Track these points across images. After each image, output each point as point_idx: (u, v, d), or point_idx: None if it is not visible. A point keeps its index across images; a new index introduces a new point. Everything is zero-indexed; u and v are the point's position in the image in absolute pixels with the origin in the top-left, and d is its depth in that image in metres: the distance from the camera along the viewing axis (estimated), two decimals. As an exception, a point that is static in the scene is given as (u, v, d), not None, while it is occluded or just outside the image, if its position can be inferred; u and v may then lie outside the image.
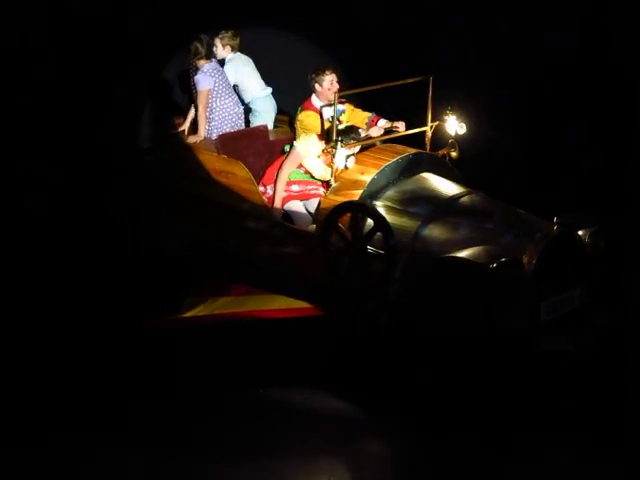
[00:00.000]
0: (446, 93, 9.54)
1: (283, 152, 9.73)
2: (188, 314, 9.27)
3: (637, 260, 9.61)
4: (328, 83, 9.67)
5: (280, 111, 10.64)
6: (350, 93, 9.58)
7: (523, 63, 10.77)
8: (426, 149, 9.75)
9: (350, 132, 9.37)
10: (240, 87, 10.43)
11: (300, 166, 9.48)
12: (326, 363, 8.80)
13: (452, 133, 9.71)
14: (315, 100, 9.72)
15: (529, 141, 10.82)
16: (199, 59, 10.02)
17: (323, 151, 9.27)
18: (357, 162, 9.31)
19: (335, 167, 9.19)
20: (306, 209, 9.49)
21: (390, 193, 9.21)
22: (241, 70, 10.41)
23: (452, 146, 9.75)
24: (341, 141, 9.14)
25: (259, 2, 11.02)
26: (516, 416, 8.12)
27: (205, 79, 10.02)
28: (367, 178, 9.20)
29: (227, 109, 10.10)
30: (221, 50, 10.35)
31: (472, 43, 10.89)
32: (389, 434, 8.15)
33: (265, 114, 10.46)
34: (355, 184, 9.21)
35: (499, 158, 10.69)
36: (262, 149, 10.14)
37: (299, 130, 9.70)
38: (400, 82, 9.53)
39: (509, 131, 10.78)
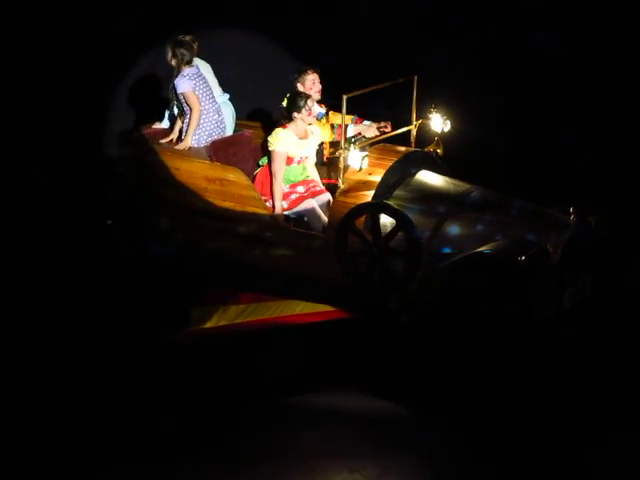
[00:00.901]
0: (436, 94, 9.68)
1: (259, 165, 9.73)
2: (209, 324, 9.03)
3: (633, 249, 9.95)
4: (310, 82, 9.73)
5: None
6: (359, 94, 9.48)
7: (513, 65, 10.96)
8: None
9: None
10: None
11: (290, 162, 9.43)
12: (353, 364, 8.73)
13: (438, 130, 9.83)
14: None
15: (520, 143, 10.97)
16: (186, 64, 9.81)
17: (335, 152, 9.24)
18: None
19: (342, 168, 9.18)
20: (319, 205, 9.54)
21: (400, 192, 9.22)
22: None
23: (437, 144, 9.88)
24: (354, 142, 9.14)
25: (216, 4, 10.92)
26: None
27: (184, 82, 9.77)
28: (376, 178, 9.20)
29: (208, 116, 9.91)
30: (170, 57, 9.99)
31: (463, 45, 11.03)
32: (415, 435, 8.15)
33: (224, 121, 10.28)
34: (365, 185, 9.18)
35: (489, 159, 10.82)
36: (248, 155, 10.10)
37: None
38: (387, 84, 9.56)
39: (499, 133, 10.93)
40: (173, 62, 9.84)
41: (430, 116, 9.81)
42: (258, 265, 9.41)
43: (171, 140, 9.93)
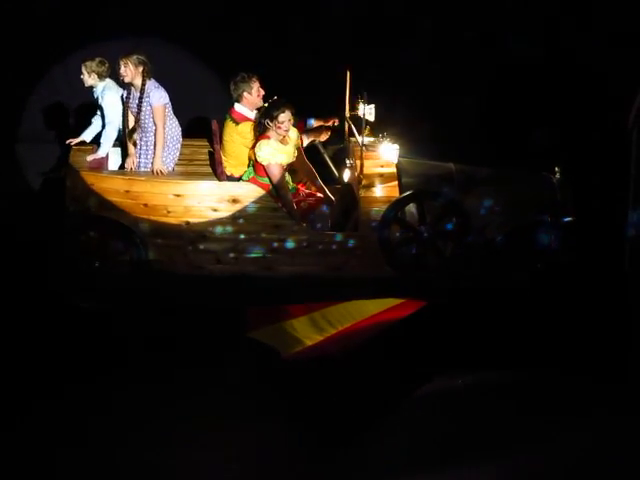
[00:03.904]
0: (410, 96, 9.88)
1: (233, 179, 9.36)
2: (309, 342, 8.47)
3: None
4: (256, 90, 9.52)
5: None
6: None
7: (486, 66, 11.11)
8: (347, 139, 9.93)
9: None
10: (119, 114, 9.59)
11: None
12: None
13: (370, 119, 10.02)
14: (242, 109, 9.41)
15: (494, 145, 11.15)
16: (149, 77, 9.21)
17: (366, 149, 9.19)
18: (358, 158, 9.35)
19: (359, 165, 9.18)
20: None
21: (408, 180, 9.42)
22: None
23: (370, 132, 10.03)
24: (384, 137, 9.23)
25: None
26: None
27: (160, 94, 9.21)
28: (392, 169, 9.31)
29: (176, 132, 9.37)
30: (87, 77, 9.49)
31: (435, 47, 11.08)
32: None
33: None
34: (384, 178, 9.27)
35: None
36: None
37: (242, 141, 9.37)
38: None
39: (472, 134, 11.13)
40: (137, 76, 9.19)
41: (357, 106, 9.97)
42: (297, 275, 9.10)
43: (129, 168, 9.27)
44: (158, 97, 9.18)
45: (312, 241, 9.09)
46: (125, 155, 9.55)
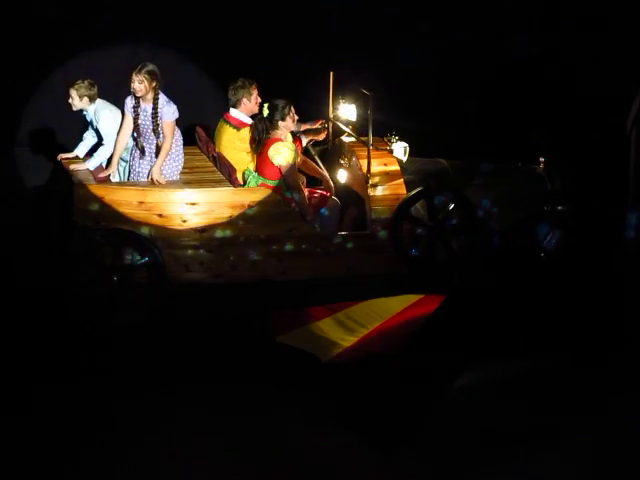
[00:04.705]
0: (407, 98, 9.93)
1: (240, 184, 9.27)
2: (346, 344, 8.51)
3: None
4: (255, 97, 9.51)
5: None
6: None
7: (485, 68, 11.19)
8: (334, 140, 10.00)
9: None
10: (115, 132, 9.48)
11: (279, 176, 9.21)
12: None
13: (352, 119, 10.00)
14: (240, 114, 9.42)
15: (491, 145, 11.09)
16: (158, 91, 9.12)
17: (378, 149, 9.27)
18: (361, 157, 9.42)
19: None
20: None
21: (408, 177, 9.55)
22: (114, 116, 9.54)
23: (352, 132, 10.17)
24: (395, 136, 9.31)
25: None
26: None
27: (173, 109, 9.10)
28: (395, 167, 9.40)
29: (179, 142, 9.29)
30: (78, 101, 9.36)
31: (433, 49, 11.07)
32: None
33: None
34: (389, 176, 9.38)
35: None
36: None
37: (243, 147, 9.35)
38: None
39: (471, 137, 11.18)
40: (150, 90, 9.04)
41: (339, 107, 10.02)
42: (314, 277, 9.15)
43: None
44: (171, 113, 9.10)
45: (326, 242, 9.17)
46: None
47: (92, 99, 9.32)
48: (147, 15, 10.76)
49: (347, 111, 9.88)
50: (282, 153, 9.10)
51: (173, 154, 9.20)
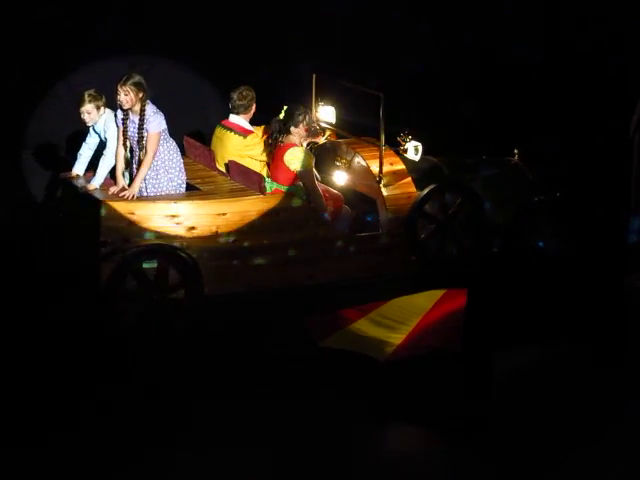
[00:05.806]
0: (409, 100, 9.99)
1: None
2: (396, 341, 8.59)
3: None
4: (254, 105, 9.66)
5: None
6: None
7: (487, 72, 11.34)
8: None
9: None
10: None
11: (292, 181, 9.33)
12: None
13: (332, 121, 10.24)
14: (242, 121, 9.57)
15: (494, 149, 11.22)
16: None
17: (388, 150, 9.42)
18: (367, 158, 9.61)
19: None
20: None
21: (412, 175, 9.78)
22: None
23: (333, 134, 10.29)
24: (407, 135, 9.47)
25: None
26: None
27: (160, 120, 9.00)
28: (401, 166, 9.59)
29: (175, 155, 9.15)
30: (95, 114, 9.13)
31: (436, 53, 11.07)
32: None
33: None
34: (397, 175, 9.56)
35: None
36: None
37: (250, 154, 9.46)
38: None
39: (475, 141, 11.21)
40: (137, 102, 8.91)
41: (319, 109, 10.18)
42: (340, 279, 9.29)
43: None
44: (157, 124, 8.96)
45: (349, 244, 9.31)
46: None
47: (103, 108, 9.16)
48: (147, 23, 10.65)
49: (327, 113, 10.08)
50: (298, 158, 9.20)
51: (167, 166, 9.04)
